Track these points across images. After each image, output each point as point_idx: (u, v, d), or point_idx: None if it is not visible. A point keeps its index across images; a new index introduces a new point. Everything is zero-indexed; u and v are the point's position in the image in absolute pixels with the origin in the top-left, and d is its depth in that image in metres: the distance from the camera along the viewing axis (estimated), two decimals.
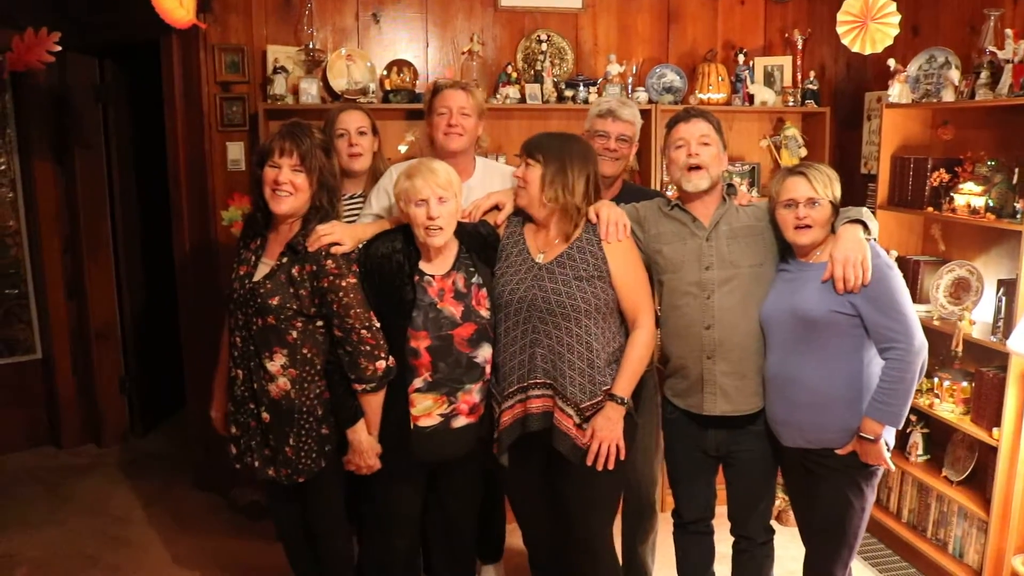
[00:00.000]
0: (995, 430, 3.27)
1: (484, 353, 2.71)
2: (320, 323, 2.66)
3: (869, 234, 2.60)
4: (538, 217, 2.71)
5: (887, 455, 2.61)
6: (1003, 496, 3.27)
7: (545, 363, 2.65)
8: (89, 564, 3.77)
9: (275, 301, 2.60)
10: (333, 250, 2.61)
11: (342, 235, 2.65)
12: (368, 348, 2.59)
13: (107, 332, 5.14)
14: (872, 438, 2.56)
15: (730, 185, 2.89)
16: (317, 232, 2.63)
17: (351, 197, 3.31)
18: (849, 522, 2.68)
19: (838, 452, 2.63)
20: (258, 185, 2.67)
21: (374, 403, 2.66)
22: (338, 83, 4.07)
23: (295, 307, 2.61)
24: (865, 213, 2.65)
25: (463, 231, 2.75)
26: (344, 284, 2.59)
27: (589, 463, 2.62)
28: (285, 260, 2.64)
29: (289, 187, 2.62)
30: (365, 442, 2.67)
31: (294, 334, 2.63)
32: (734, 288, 2.73)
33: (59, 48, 3.93)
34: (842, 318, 2.56)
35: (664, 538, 3.34)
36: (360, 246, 2.72)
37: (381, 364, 2.60)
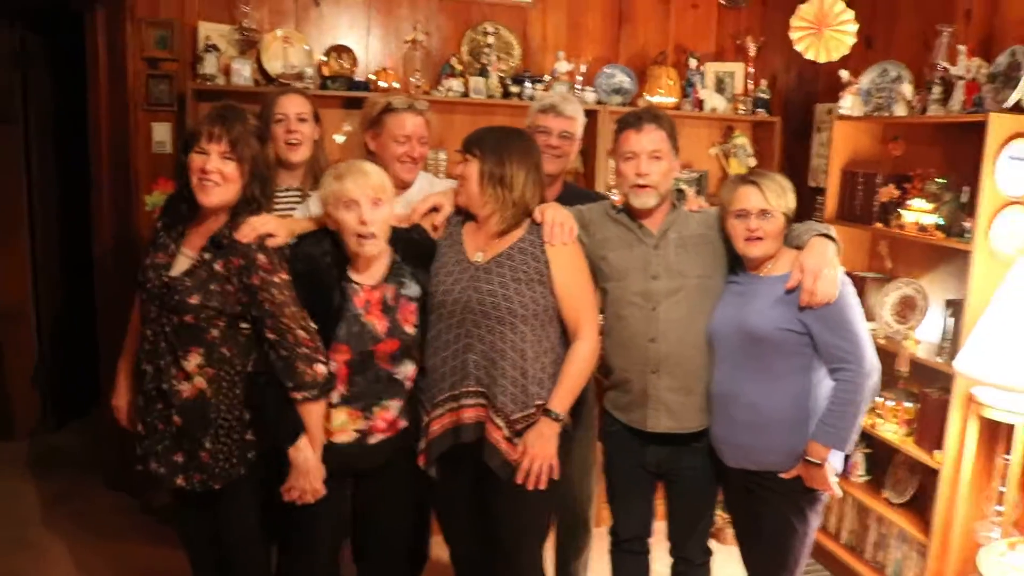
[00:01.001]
0: (937, 452, 3.22)
1: (406, 370, 2.54)
2: (244, 325, 2.46)
3: (839, 253, 2.51)
4: (480, 216, 2.55)
5: (834, 480, 2.51)
6: (943, 520, 3.21)
7: (478, 370, 2.49)
8: None
9: (194, 300, 2.39)
10: (267, 242, 2.41)
11: (276, 227, 2.47)
12: (306, 351, 2.39)
13: (19, 318, 4.85)
14: (818, 462, 2.46)
15: (680, 190, 2.78)
16: (250, 223, 2.42)
17: (287, 190, 3.11)
18: (791, 547, 2.59)
19: (782, 476, 2.53)
20: (183, 171, 2.45)
21: (315, 414, 2.45)
22: (273, 66, 3.88)
23: (217, 306, 2.40)
24: (832, 230, 2.56)
25: (396, 237, 2.57)
26: (277, 280, 2.39)
27: (519, 481, 2.47)
28: (208, 256, 2.43)
29: (217, 176, 2.39)
30: (311, 460, 2.45)
31: (215, 332, 2.43)
32: (681, 300, 2.61)
33: None
34: (791, 336, 2.46)
35: (599, 555, 3.22)
36: (289, 243, 2.53)
37: (321, 368, 2.40)
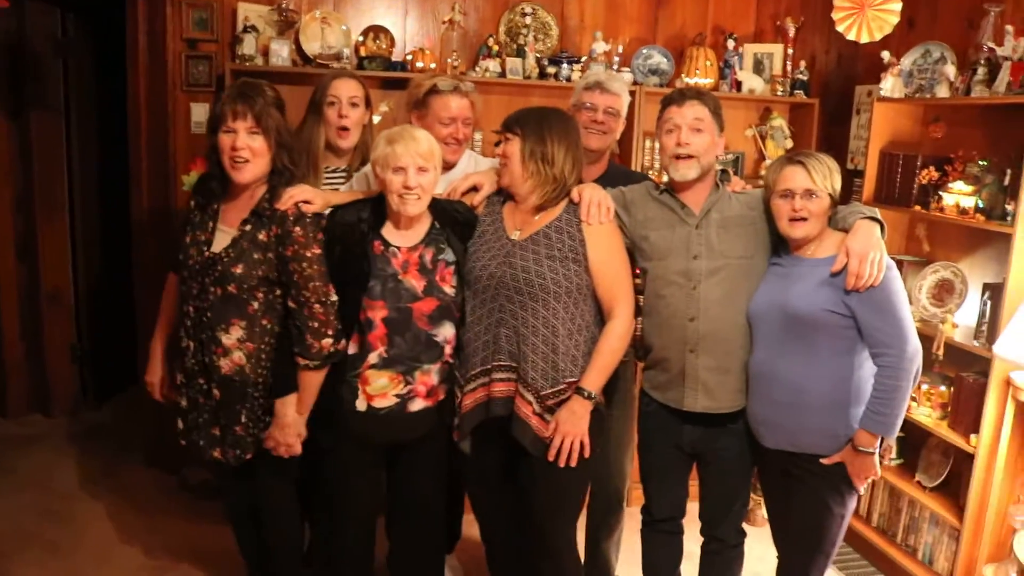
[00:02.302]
0: (973, 437, 3.19)
1: (445, 332, 2.57)
2: (279, 292, 2.53)
3: (884, 236, 2.48)
4: (521, 194, 2.57)
5: (878, 467, 2.50)
6: (978, 504, 3.19)
7: (510, 344, 2.52)
8: (27, 541, 3.59)
9: (239, 269, 2.46)
10: (303, 207, 2.49)
11: (312, 195, 2.54)
12: (316, 324, 2.47)
13: (59, 296, 4.93)
14: (870, 451, 2.45)
15: (724, 171, 2.76)
16: (288, 191, 2.50)
17: (334, 170, 3.13)
18: (827, 530, 2.58)
19: (824, 462, 2.52)
20: (215, 152, 2.51)
21: (313, 381, 2.53)
22: (311, 46, 3.90)
23: (260, 274, 2.47)
24: (878, 213, 2.53)
25: (438, 207, 2.62)
26: (308, 255, 2.47)
27: (551, 458, 2.49)
28: (249, 227, 2.49)
29: (247, 152, 2.46)
30: (290, 417, 2.54)
31: (255, 304, 2.50)
32: (722, 279, 2.60)
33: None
34: (835, 317, 2.44)
35: (630, 535, 3.23)
36: (327, 212, 2.59)
37: (327, 343, 2.47)
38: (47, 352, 4.92)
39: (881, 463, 3.61)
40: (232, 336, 2.50)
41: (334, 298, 2.49)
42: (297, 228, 2.47)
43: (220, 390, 2.55)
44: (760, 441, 2.63)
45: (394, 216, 2.55)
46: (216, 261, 2.48)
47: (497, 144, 2.62)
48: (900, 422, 2.47)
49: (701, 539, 2.90)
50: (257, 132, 2.47)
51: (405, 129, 2.55)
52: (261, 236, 2.48)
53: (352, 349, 2.54)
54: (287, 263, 2.47)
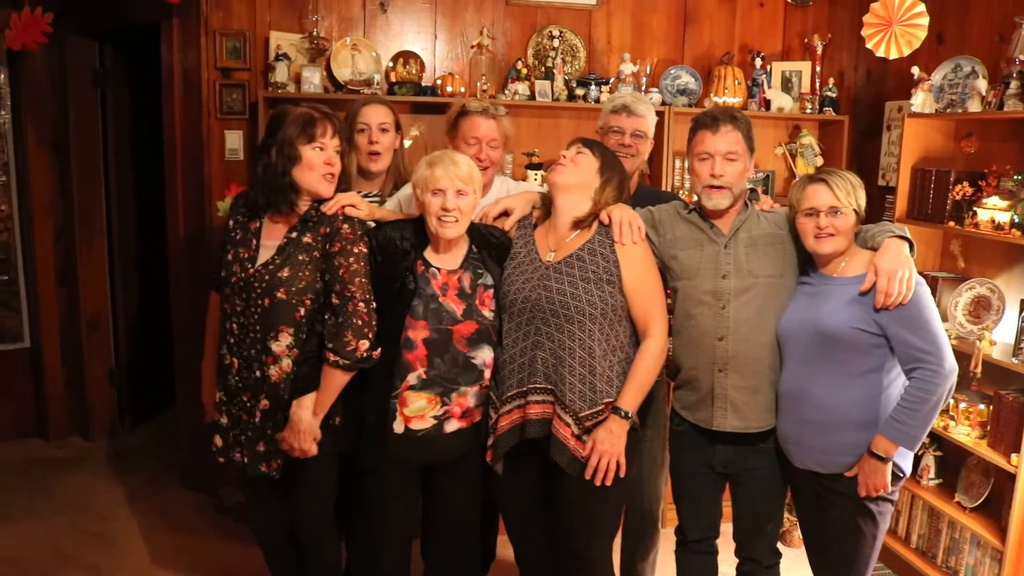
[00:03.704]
0: (1014, 456, 3.13)
1: (483, 356, 2.58)
2: (324, 301, 2.56)
3: (913, 254, 2.47)
4: (559, 200, 2.62)
5: (889, 480, 2.46)
6: (1020, 525, 3.13)
7: (546, 367, 2.52)
8: (66, 562, 3.64)
9: (285, 273, 2.50)
10: (347, 211, 2.55)
11: (359, 201, 2.63)
12: (360, 323, 2.48)
13: (98, 322, 5.02)
14: (883, 456, 2.41)
15: (753, 190, 2.76)
16: (336, 197, 2.58)
17: (366, 195, 3.18)
18: (860, 551, 2.55)
19: (847, 475, 2.49)
20: (289, 161, 2.52)
21: (336, 382, 2.53)
22: (342, 73, 3.96)
23: (307, 277, 2.51)
24: (906, 231, 2.52)
25: (475, 231, 2.66)
26: (355, 251, 2.52)
27: (587, 477, 2.49)
28: (295, 234, 2.56)
29: (336, 169, 2.60)
30: (305, 420, 2.53)
31: (302, 311, 2.53)
32: (751, 299, 2.60)
33: (51, 29, 3.80)
34: (865, 336, 2.42)
35: (665, 556, 3.21)
36: (372, 224, 2.66)
37: (364, 345, 2.49)
38: (86, 376, 5.00)
39: (918, 482, 3.60)
40: (282, 343, 2.52)
41: (375, 304, 2.52)
42: (345, 225, 2.53)
43: (270, 399, 2.56)
44: (790, 460, 2.61)
45: (434, 239, 2.59)
46: (261, 274, 2.52)
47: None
48: (922, 436, 2.42)
49: (736, 560, 2.87)
50: (340, 151, 2.62)
51: (446, 153, 2.60)
52: (307, 239, 2.54)
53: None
54: (332, 259, 2.50)
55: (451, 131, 3.06)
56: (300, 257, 2.52)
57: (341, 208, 2.55)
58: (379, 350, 2.52)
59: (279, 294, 2.50)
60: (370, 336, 2.50)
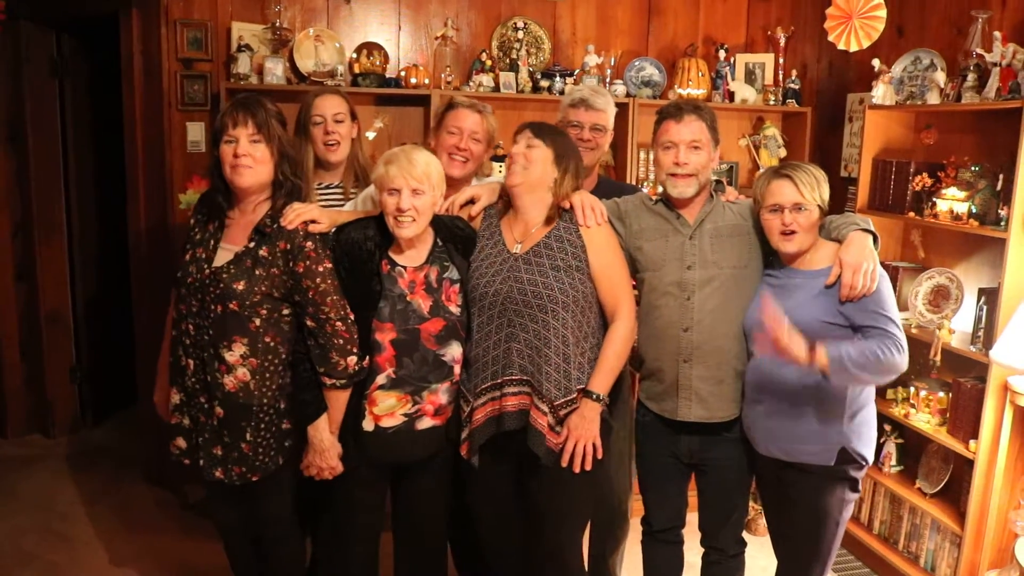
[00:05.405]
0: (972, 442, 3.19)
1: (452, 352, 2.57)
2: (286, 310, 2.50)
3: (877, 247, 2.49)
4: (521, 201, 2.60)
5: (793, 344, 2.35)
6: (978, 510, 3.19)
7: (522, 358, 2.52)
8: (26, 562, 3.58)
9: (240, 286, 2.43)
10: (310, 228, 2.47)
11: (319, 214, 2.53)
12: (341, 342, 2.45)
13: (58, 318, 4.93)
14: (808, 355, 2.33)
15: (718, 182, 2.77)
16: (294, 208, 2.48)
17: (327, 186, 3.15)
18: (823, 537, 2.58)
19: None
20: (217, 166, 2.50)
21: (340, 400, 2.51)
22: (305, 64, 3.92)
23: (263, 291, 2.44)
24: (871, 224, 2.54)
25: (440, 223, 2.63)
26: (321, 269, 2.45)
27: (564, 464, 2.49)
28: (252, 244, 2.47)
29: (249, 159, 2.45)
30: (327, 440, 2.51)
31: (257, 322, 2.46)
32: (715, 290, 2.61)
33: (4, 16, 3.72)
34: (833, 328, 2.43)
35: (632, 546, 3.22)
36: (332, 231, 2.59)
37: (352, 360, 2.46)
38: (47, 373, 4.92)
39: (880, 470, 3.65)
40: (235, 353, 2.47)
41: (352, 316, 2.48)
42: (308, 243, 2.45)
43: (224, 408, 2.50)
44: (755, 448, 2.63)
45: (395, 237, 2.56)
46: (217, 278, 2.45)
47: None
48: (852, 372, 2.34)
49: (702, 549, 2.89)
50: (259, 140, 2.46)
51: (403, 150, 2.54)
52: (263, 252, 2.46)
53: None
54: (300, 280, 2.44)
55: (436, 128, 3.02)
56: (257, 271, 2.45)
57: (303, 224, 2.48)
58: (366, 359, 2.49)
59: (232, 305, 2.44)
60: (355, 351, 2.47)
